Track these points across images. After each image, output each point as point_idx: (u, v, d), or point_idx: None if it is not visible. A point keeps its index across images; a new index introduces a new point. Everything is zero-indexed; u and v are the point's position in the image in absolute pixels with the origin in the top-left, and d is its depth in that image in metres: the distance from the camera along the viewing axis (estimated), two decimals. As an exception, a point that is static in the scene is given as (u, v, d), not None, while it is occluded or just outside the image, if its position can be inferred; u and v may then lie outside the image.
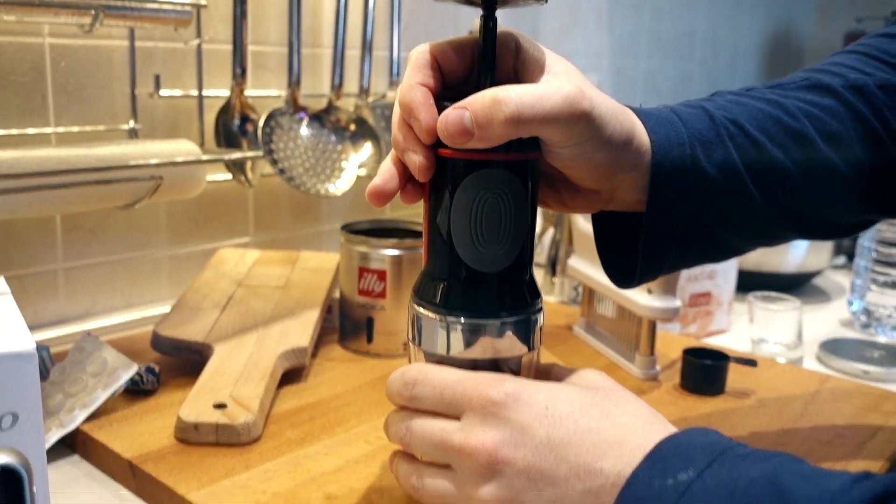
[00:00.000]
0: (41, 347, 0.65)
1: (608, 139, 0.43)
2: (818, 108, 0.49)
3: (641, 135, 0.45)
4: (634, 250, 0.49)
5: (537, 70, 0.44)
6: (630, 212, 0.49)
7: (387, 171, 0.44)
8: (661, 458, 0.37)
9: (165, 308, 0.79)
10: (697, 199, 0.47)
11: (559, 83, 0.41)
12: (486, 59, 0.43)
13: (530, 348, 0.46)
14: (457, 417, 0.42)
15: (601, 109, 0.42)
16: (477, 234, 0.43)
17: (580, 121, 0.41)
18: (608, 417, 0.40)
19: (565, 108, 0.40)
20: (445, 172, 0.43)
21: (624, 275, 0.51)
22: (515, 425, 0.39)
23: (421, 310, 0.45)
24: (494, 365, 0.45)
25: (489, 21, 0.43)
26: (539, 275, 1.02)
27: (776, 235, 0.53)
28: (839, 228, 0.54)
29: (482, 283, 0.44)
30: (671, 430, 0.40)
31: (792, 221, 0.50)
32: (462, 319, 0.44)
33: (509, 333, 0.44)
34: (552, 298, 1.00)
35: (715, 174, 0.46)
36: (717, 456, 0.36)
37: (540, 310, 0.46)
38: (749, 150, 0.47)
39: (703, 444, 0.38)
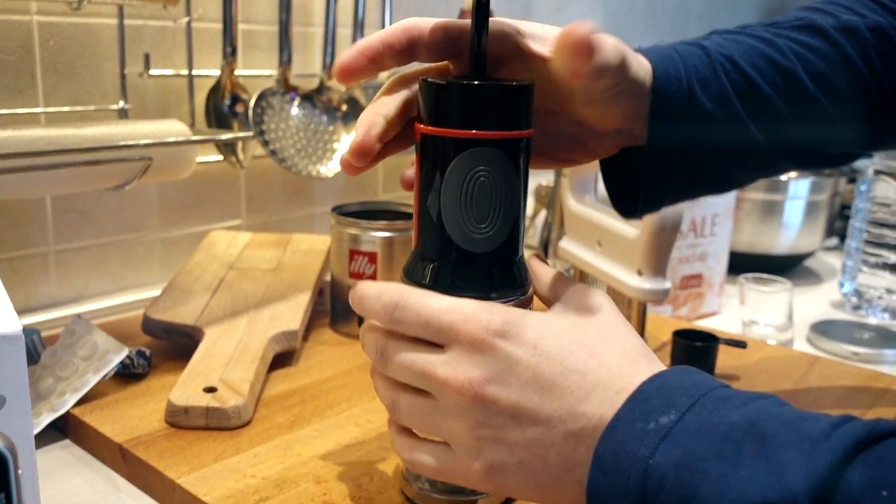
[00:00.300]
0: (31, 331, 0.65)
1: (633, 77, 0.46)
2: (808, 48, 0.52)
3: (650, 70, 0.48)
4: (638, 182, 0.51)
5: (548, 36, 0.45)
6: (635, 146, 0.51)
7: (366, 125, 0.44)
8: (642, 399, 0.37)
9: (157, 291, 0.79)
10: (695, 130, 0.50)
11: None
12: (479, 27, 0.43)
13: None
14: (440, 346, 0.41)
15: (625, 49, 0.45)
16: (467, 214, 0.43)
17: (622, 65, 0.44)
18: (595, 358, 0.40)
19: (616, 55, 0.42)
20: (436, 151, 0.43)
21: (628, 206, 0.54)
22: (502, 363, 0.39)
23: None
24: None
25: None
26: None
27: (771, 165, 0.56)
28: (830, 159, 0.58)
29: (472, 263, 0.44)
30: (657, 367, 0.40)
31: (784, 152, 0.54)
32: None
33: None
34: (544, 280, 1.00)
35: (711, 107, 0.49)
36: (699, 398, 0.37)
37: (530, 290, 0.46)
38: (742, 86, 0.50)
39: (686, 385, 0.38)
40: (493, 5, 0.43)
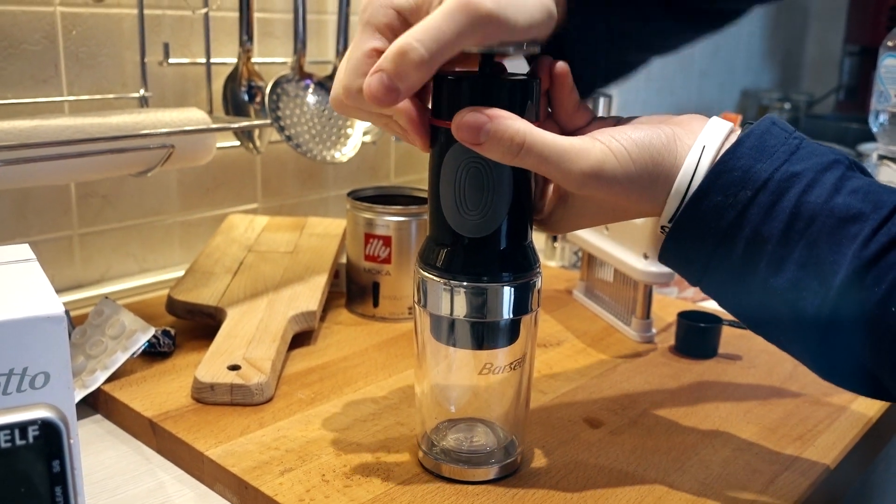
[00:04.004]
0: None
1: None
2: None
3: None
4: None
5: None
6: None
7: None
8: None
9: (178, 273, 0.82)
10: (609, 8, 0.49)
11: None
12: None
13: (529, 310, 0.48)
14: None
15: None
16: (461, 201, 0.46)
17: (488, 20, 0.41)
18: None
19: (466, 19, 0.40)
20: (437, 141, 0.46)
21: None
22: None
23: (426, 274, 0.48)
24: (494, 323, 0.48)
25: None
26: (540, 240, 1.04)
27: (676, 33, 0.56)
28: (727, 16, 0.56)
29: (482, 248, 0.47)
30: None
31: (683, 14, 0.53)
32: (465, 283, 0.46)
33: (509, 295, 0.47)
34: (553, 263, 1.03)
35: None
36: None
37: (538, 273, 0.49)
38: None
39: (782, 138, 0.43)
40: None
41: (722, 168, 0.43)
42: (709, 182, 0.43)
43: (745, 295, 0.44)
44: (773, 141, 0.43)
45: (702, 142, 0.44)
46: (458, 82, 0.45)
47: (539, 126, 0.44)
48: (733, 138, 0.44)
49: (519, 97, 0.45)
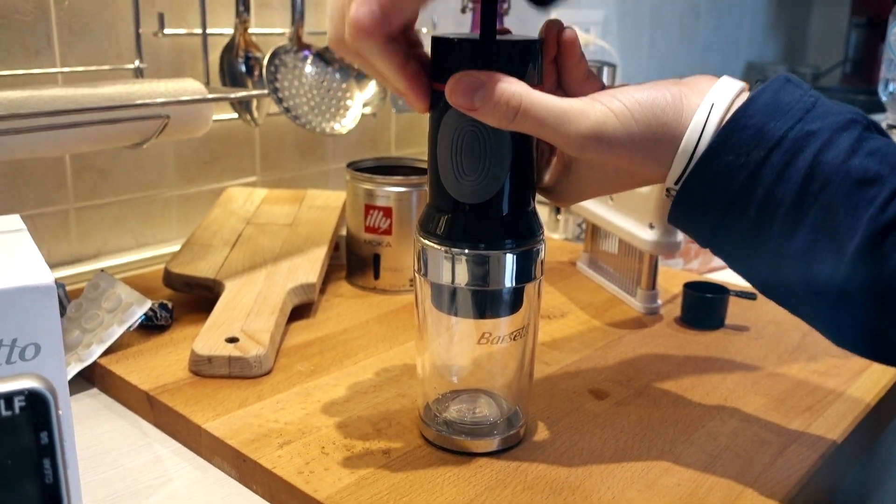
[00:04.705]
0: (58, 284, 0.67)
1: None
2: None
3: None
4: None
5: None
6: None
7: None
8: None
9: (175, 247, 0.81)
10: None
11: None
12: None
13: (532, 278, 0.47)
14: None
15: None
16: (458, 167, 0.44)
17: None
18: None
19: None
20: (436, 106, 0.45)
21: None
22: None
23: (426, 241, 0.47)
24: (496, 292, 0.46)
25: None
26: (543, 213, 1.03)
27: None
28: None
29: (483, 214, 0.45)
30: None
31: None
32: (466, 251, 0.45)
33: (512, 263, 0.46)
34: (556, 235, 1.01)
35: None
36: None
37: (542, 240, 0.47)
38: None
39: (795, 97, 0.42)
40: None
41: (733, 126, 0.41)
42: (719, 141, 0.41)
43: (756, 259, 0.43)
44: (787, 98, 0.41)
45: (710, 100, 0.43)
46: (456, 43, 0.43)
47: (543, 91, 0.42)
48: (744, 97, 0.43)
49: (519, 59, 0.43)
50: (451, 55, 0.43)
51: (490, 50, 0.43)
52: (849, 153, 0.39)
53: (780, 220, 0.41)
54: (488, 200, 0.45)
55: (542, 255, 0.47)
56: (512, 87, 0.41)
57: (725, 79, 0.44)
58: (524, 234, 0.46)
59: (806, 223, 0.40)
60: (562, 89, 0.48)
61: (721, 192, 0.42)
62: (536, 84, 0.44)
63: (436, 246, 0.46)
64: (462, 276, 0.46)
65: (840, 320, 0.42)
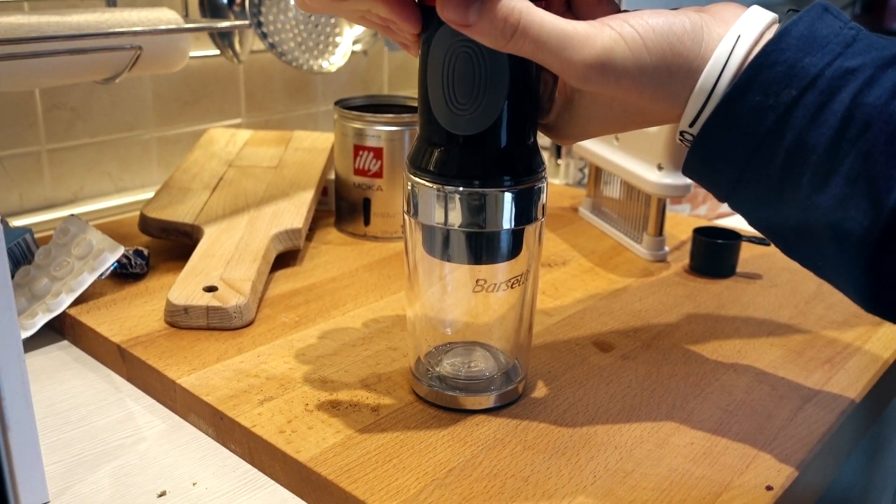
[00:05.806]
0: (23, 230, 0.63)
1: None
2: None
3: None
4: None
5: None
6: None
7: None
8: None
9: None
10: None
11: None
12: None
13: (533, 219, 0.43)
14: None
15: None
16: (450, 94, 0.40)
17: None
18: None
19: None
20: (426, 25, 0.40)
21: None
22: None
23: (416, 179, 0.42)
24: (493, 234, 0.42)
25: None
26: (544, 157, 0.98)
27: None
28: None
29: (479, 148, 0.41)
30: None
31: None
32: (460, 188, 0.41)
33: (510, 202, 0.41)
34: (557, 181, 0.97)
35: None
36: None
37: (543, 178, 0.43)
38: None
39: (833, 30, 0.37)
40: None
41: (763, 62, 0.36)
42: (745, 79, 0.36)
43: (781, 213, 0.38)
44: (825, 31, 0.36)
45: (737, 31, 0.37)
46: None
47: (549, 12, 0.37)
48: (775, 31, 0.38)
49: None
50: None
51: None
52: (893, 93, 0.34)
53: (810, 169, 0.36)
54: (484, 132, 0.40)
55: (543, 194, 0.43)
56: (511, 2, 0.36)
57: (755, 8, 0.39)
58: (524, 171, 0.42)
59: (840, 173, 0.35)
60: (571, 11, 0.43)
61: (746, 138, 0.37)
62: (540, 1, 0.39)
63: (427, 183, 0.42)
64: (456, 216, 0.41)
65: (874, 283, 0.37)
